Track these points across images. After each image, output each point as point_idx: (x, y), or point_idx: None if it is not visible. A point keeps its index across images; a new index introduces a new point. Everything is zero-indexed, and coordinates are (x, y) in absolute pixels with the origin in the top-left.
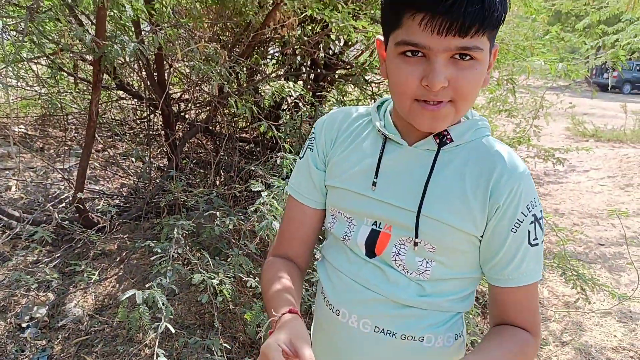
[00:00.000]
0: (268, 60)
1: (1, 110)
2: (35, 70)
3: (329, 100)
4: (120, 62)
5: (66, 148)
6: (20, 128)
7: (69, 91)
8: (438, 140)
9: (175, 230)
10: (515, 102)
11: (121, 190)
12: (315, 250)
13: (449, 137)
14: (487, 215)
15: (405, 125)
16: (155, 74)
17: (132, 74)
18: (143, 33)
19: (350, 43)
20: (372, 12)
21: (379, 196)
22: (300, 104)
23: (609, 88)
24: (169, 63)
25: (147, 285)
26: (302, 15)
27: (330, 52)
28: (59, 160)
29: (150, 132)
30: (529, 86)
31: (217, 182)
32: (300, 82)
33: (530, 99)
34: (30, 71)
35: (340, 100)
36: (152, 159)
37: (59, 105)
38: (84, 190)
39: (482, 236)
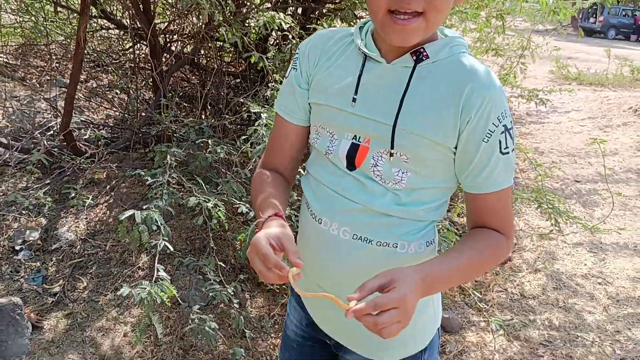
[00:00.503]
0: None
1: None
2: None
3: None
4: None
5: (48, 78)
6: (0, 57)
7: (51, 19)
8: (415, 57)
9: (168, 157)
10: (503, 41)
11: (107, 121)
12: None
13: (425, 54)
14: (459, 127)
15: (385, 44)
16: (141, 3)
17: (116, 3)
18: None
19: None
20: None
21: (358, 111)
22: (289, 37)
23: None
24: None
25: (144, 207)
26: None
27: None
28: (42, 90)
29: (136, 64)
30: (516, 27)
31: (204, 116)
32: (289, 16)
33: (516, 40)
34: None
35: None
36: (138, 90)
37: (41, 34)
38: (71, 120)
39: (455, 147)
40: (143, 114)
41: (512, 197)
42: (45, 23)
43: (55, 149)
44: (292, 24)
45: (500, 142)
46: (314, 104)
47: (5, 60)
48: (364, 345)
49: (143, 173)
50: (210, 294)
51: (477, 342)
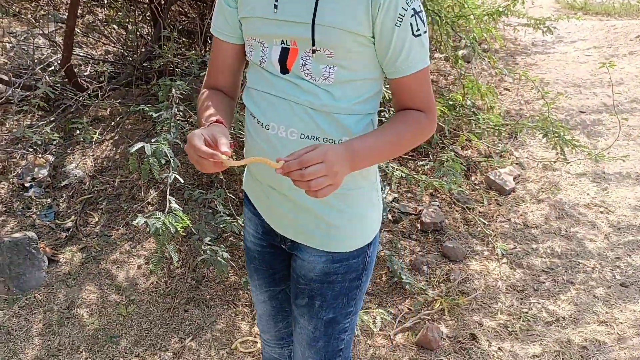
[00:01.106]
0: None
1: None
2: None
3: None
4: None
5: (44, 13)
6: None
7: None
8: None
9: (173, 90)
10: None
11: (107, 57)
12: None
13: None
14: (371, 14)
15: None
16: None
17: None
18: None
19: None
20: None
21: (280, 16)
22: None
23: None
24: None
25: (153, 140)
26: None
27: None
28: (39, 25)
29: None
30: None
31: (205, 50)
32: None
33: None
34: None
35: None
36: (137, 24)
37: None
38: (71, 55)
39: (373, 37)
40: (143, 49)
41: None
42: None
43: (58, 85)
44: None
45: (411, 24)
46: (243, 19)
47: None
48: (314, 238)
49: (147, 109)
50: (221, 226)
51: (481, 270)
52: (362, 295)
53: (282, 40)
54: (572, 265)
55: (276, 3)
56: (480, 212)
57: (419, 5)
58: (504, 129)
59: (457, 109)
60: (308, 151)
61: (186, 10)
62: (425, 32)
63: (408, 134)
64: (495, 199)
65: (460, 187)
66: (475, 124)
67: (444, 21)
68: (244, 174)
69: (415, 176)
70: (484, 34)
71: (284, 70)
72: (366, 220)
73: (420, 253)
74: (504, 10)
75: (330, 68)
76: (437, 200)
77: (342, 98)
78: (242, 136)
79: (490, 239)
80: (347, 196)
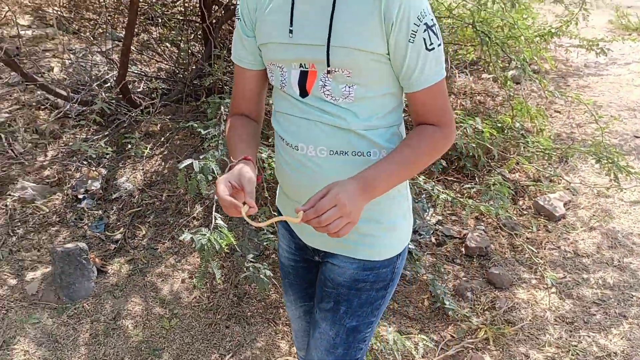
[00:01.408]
0: None
1: None
2: None
3: None
4: None
5: (101, 31)
6: (56, 10)
7: None
8: None
9: (222, 108)
10: None
11: (159, 74)
12: None
13: None
14: (385, 32)
15: None
16: None
17: None
18: None
19: None
20: None
21: (295, 40)
22: None
23: None
24: None
25: (201, 157)
26: None
27: None
28: (97, 43)
29: (185, 16)
30: None
31: None
32: None
33: None
34: None
35: None
36: (188, 43)
37: None
38: (127, 72)
39: (388, 53)
40: (194, 66)
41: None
42: None
43: (113, 101)
44: None
45: (424, 39)
46: (261, 45)
47: (60, 13)
48: (346, 246)
49: (196, 125)
50: (264, 244)
51: (528, 299)
52: (384, 306)
53: (301, 64)
54: (624, 298)
55: (291, 28)
56: (528, 239)
57: (432, 20)
58: (554, 153)
59: (505, 131)
60: (322, 196)
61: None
62: (439, 45)
63: (423, 152)
64: (544, 225)
65: (507, 211)
66: (524, 147)
67: (493, 42)
68: (277, 190)
69: (462, 200)
70: (535, 56)
71: (304, 93)
72: (397, 230)
73: (464, 278)
74: (556, 32)
75: (349, 87)
76: (482, 224)
77: (364, 115)
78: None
79: (538, 267)
80: (380, 206)
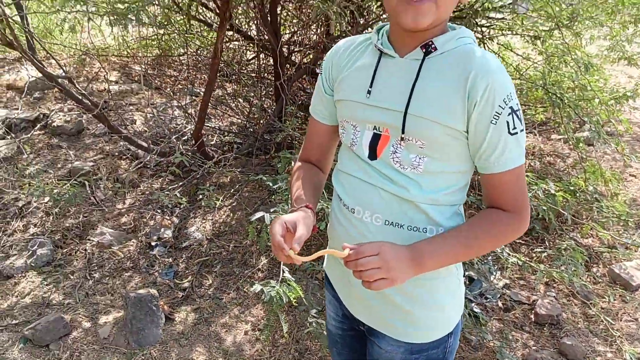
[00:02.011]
0: (373, 2)
1: (123, 50)
2: (154, 11)
3: None
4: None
5: (180, 87)
6: (141, 67)
7: (185, 34)
8: (424, 50)
9: (292, 162)
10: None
11: (231, 128)
12: None
13: (433, 46)
14: (467, 110)
15: (399, 41)
16: (268, 15)
17: (241, 15)
18: None
19: None
20: None
21: (373, 102)
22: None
23: None
24: (282, 4)
25: (271, 210)
26: None
27: None
28: (176, 98)
29: (259, 74)
30: None
31: None
32: None
33: None
34: (144, 11)
35: None
36: (261, 99)
37: (175, 46)
38: (203, 126)
39: (466, 131)
40: (264, 121)
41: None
42: (184, 35)
43: (188, 153)
44: None
45: (508, 123)
46: (337, 101)
47: (145, 70)
48: (392, 327)
49: (265, 178)
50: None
51: None
52: None
53: (375, 126)
54: None
55: (370, 89)
56: (602, 309)
57: (517, 104)
58: (630, 219)
59: (578, 195)
60: (366, 244)
61: (305, 86)
62: (522, 130)
63: (487, 236)
64: (620, 295)
65: (581, 279)
66: (597, 212)
67: (565, 104)
68: (326, 255)
69: (532, 264)
70: (610, 118)
71: (373, 156)
72: (446, 309)
73: (534, 347)
74: (631, 95)
75: (420, 158)
76: (553, 290)
77: (429, 188)
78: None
79: (615, 339)
80: (426, 285)
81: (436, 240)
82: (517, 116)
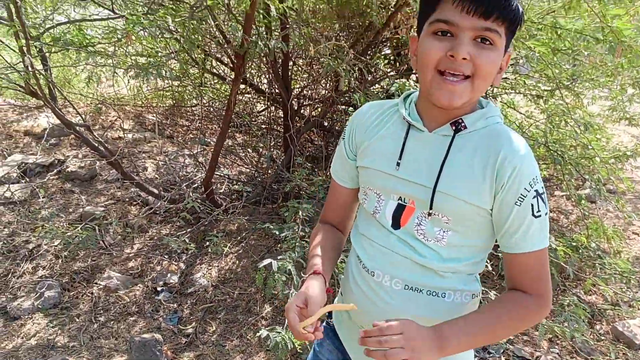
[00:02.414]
0: (380, 60)
1: (138, 100)
2: (170, 64)
3: None
4: (256, 57)
5: (192, 136)
6: (154, 116)
7: (199, 86)
8: (454, 128)
9: (300, 212)
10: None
11: (240, 177)
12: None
13: (463, 124)
14: (494, 191)
15: (427, 114)
16: (280, 70)
17: (254, 69)
18: (274, 33)
19: None
20: None
21: (402, 175)
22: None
23: None
24: (293, 60)
25: (279, 257)
26: None
27: None
28: (187, 147)
29: (269, 126)
30: None
31: (328, 177)
32: (412, 81)
33: None
34: (168, 67)
35: None
36: (270, 149)
37: (188, 97)
38: (213, 175)
39: (491, 209)
40: (271, 171)
41: None
42: (199, 87)
43: (198, 201)
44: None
45: (532, 205)
46: (362, 168)
47: (158, 119)
48: None
49: (272, 227)
50: None
51: None
52: None
53: (400, 197)
54: None
55: (399, 161)
56: None
57: (542, 187)
58: (633, 277)
59: (580, 251)
60: (390, 321)
61: (313, 138)
62: (546, 214)
63: (509, 320)
64: (624, 353)
65: (583, 335)
66: (600, 269)
67: (566, 161)
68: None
69: None
70: (610, 176)
71: (396, 225)
72: None
73: None
74: (632, 154)
75: (444, 232)
76: (556, 347)
77: (450, 259)
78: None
79: None
80: None
81: (460, 324)
82: (542, 199)
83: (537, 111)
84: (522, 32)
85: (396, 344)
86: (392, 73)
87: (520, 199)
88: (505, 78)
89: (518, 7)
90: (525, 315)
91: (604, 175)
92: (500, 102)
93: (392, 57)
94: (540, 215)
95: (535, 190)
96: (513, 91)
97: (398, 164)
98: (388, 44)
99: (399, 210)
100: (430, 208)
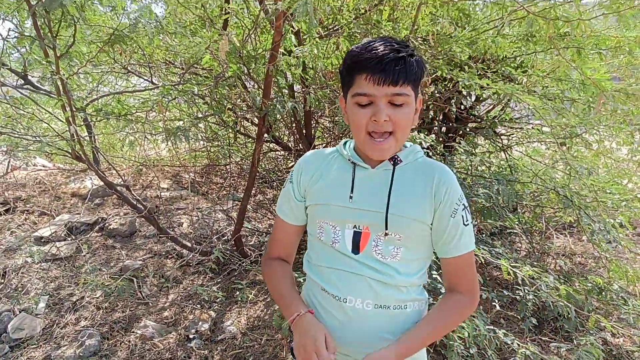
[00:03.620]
0: None
1: (176, 160)
2: (204, 127)
3: (458, 151)
4: (276, 118)
5: (225, 192)
6: (190, 175)
7: (231, 145)
8: (392, 162)
9: None
10: None
11: (269, 229)
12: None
13: (399, 159)
14: (434, 207)
15: (366, 157)
16: (304, 129)
17: (282, 129)
18: (296, 94)
19: (481, 98)
20: (502, 69)
21: (356, 205)
22: (430, 154)
23: None
24: (315, 119)
25: None
26: (434, 75)
27: (462, 106)
28: (220, 203)
29: None
30: None
31: None
32: (433, 135)
33: None
34: (199, 129)
35: (469, 152)
36: None
37: (222, 156)
38: (242, 228)
39: (431, 223)
40: None
41: None
42: (227, 147)
43: (227, 252)
44: (433, 143)
45: (462, 216)
46: (314, 205)
47: (193, 178)
48: None
49: (297, 275)
50: None
51: None
52: None
53: (355, 225)
54: None
55: (351, 195)
56: None
57: (465, 203)
58: None
59: (604, 294)
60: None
61: None
62: (470, 222)
63: (452, 320)
64: None
65: None
66: (623, 311)
67: (576, 205)
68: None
69: (545, 357)
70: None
71: (356, 250)
72: None
73: None
74: None
75: (397, 248)
76: None
77: (405, 273)
78: None
79: None
80: None
81: (415, 331)
82: (468, 211)
83: (557, 156)
84: (523, 86)
85: None
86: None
87: (454, 212)
88: (520, 128)
89: (416, 65)
90: (464, 312)
91: (625, 219)
92: (517, 150)
93: None
94: (468, 224)
95: (462, 204)
96: (528, 140)
97: (351, 197)
98: None
99: (357, 236)
100: (386, 229)
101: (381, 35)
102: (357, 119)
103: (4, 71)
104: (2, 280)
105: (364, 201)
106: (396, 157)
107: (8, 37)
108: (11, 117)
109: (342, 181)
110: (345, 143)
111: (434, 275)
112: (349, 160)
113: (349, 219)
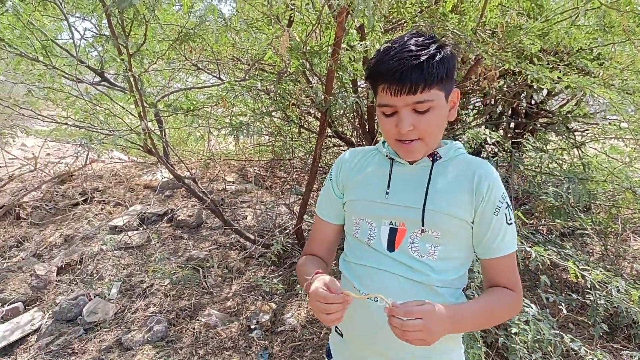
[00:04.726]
0: (469, 110)
1: (242, 155)
2: (268, 122)
3: (526, 147)
4: (338, 113)
5: (288, 187)
6: (255, 169)
7: (294, 140)
8: (431, 158)
9: None
10: None
11: None
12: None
13: (438, 155)
14: (474, 204)
15: None
16: (366, 124)
17: (346, 124)
18: (359, 89)
19: (553, 93)
20: (577, 62)
21: (392, 201)
22: (496, 150)
23: None
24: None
25: None
26: (502, 68)
27: (532, 101)
28: (283, 197)
29: None
30: None
31: None
32: (501, 131)
33: None
34: (264, 123)
35: (539, 148)
36: None
37: (286, 151)
38: (302, 221)
39: (472, 222)
40: None
41: None
42: (290, 142)
43: (289, 245)
44: (499, 139)
45: (506, 215)
46: (351, 201)
47: (258, 172)
48: None
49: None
50: None
51: None
52: None
53: (391, 221)
54: None
55: (388, 190)
56: None
57: (508, 201)
58: None
59: None
60: (417, 305)
61: None
62: (514, 222)
63: (500, 307)
64: None
65: None
66: None
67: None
68: (332, 330)
69: None
70: None
71: (392, 247)
72: None
73: None
74: None
75: (435, 246)
76: None
77: (442, 272)
78: None
79: None
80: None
81: (470, 305)
82: (511, 210)
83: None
84: (599, 79)
85: (417, 328)
86: (474, 123)
87: (497, 209)
88: (596, 124)
89: (440, 64)
90: (513, 306)
91: None
92: (593, 148)
93: (479, 107)
94: (511, 223)
95: (506, 202)
96: (604, 137)
97: (387, 193)
98: (474, 95)
99: (392, 233)
100: (423, 225)
101: (446, 27)
102: (385, 128)
103: (83, 68)
104: (79, 266)
105: (401, 197)
106: (435, 152)
107: (85, 36)
108: (89, 112)
109: (379, 177)
110: (384, 141)
111: None
112: (387, 156)
113: (385, 214)
